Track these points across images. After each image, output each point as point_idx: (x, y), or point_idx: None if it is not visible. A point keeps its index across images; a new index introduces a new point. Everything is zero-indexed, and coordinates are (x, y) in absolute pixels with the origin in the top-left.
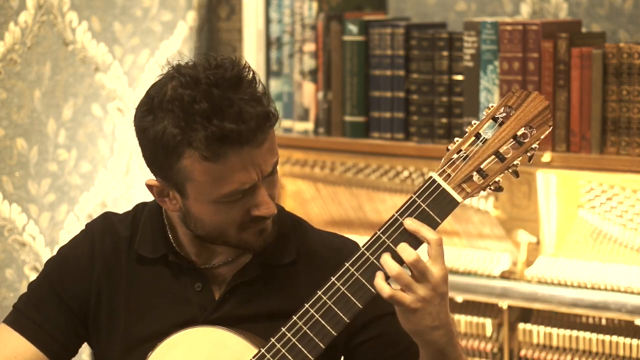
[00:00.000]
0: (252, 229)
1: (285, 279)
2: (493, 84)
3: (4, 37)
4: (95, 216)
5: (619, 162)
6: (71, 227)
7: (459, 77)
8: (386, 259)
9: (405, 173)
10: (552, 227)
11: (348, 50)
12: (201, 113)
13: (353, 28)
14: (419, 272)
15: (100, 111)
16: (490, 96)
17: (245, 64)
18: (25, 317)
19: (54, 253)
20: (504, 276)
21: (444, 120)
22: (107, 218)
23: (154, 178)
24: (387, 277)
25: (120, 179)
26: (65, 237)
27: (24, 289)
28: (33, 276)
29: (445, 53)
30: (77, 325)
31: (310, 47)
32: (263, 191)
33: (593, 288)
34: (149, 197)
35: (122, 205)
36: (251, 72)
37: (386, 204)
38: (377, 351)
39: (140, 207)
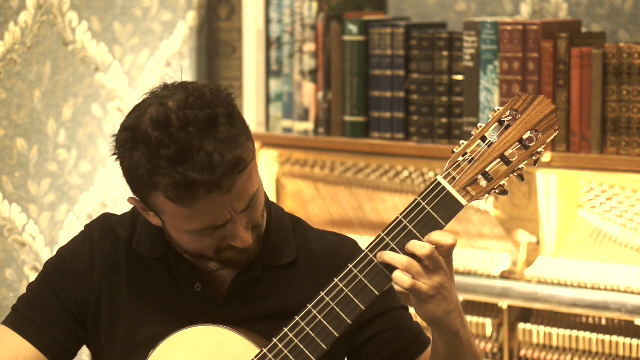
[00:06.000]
0: (231, 251)
1: (286, 279)
2: (493, 84)
3: (4, 37)
4: (95, 216)
5: (619, 162)
6: (71, 227)
7: (459, 77)
8: (391, 255)
9: (405, 173)
10: (552, 227)
11: (348, 50)
12: (167, 159)
13: (353, 28)
14: (433, 262)
15: (100, 111)
16: (490, 96)
17: (225, 97)
18: (26, 318)
19: (54, 254)
20: (504, 276)
21: (444, 120)
22: (106, 219)
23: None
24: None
25: (120, 179)
26: (65, 237)
27: (24, 289)
28: (33, 276)
29: (445, 53)
30: (77, 327)
31: (310, 47)
32: (238, 226)
33: (593, 288)
34: None
35: (122, 205)
36: (231, 107)
37: (386, 204)
38: (382, 347)
39: None
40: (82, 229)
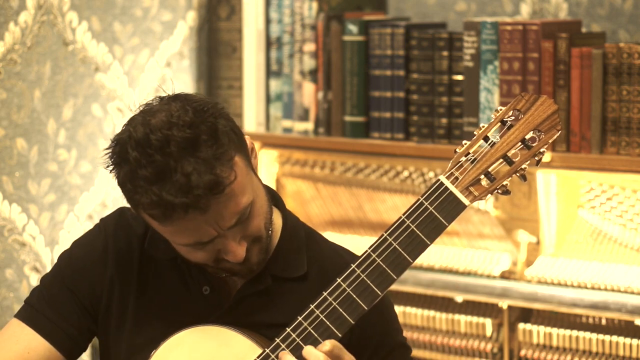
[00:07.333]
0: (229, 262)
1: (295, 293)
2: (493, 84)
3: (4, 37)
4: (95, 216)
5: (619, 162)
6: (71, 227)
7: (459, 77)
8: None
9: (405, 173)
10: (552, 227)
11: (348, 50)
12: (144, 179)
13: (353, 28)
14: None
15: (100, 111)
16: (490, 96)
17: (209, 115)
18: (38, 312)
19: (57, 253)
20: (504, 276)
21: (444, 120)
22: (122, 214)
23: None
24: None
25: None
26: (65, 237)
27: (24, 289)
28: (33, 276)
29: (445, 53)
30: (89, 321)
31: (310, 47)
32: (228, 240)
33: (593, 288)
34: None
35: (122, 205)
36: (215, 125)
37: (386, 204)
38: None
39: None
40: (98, 221)
